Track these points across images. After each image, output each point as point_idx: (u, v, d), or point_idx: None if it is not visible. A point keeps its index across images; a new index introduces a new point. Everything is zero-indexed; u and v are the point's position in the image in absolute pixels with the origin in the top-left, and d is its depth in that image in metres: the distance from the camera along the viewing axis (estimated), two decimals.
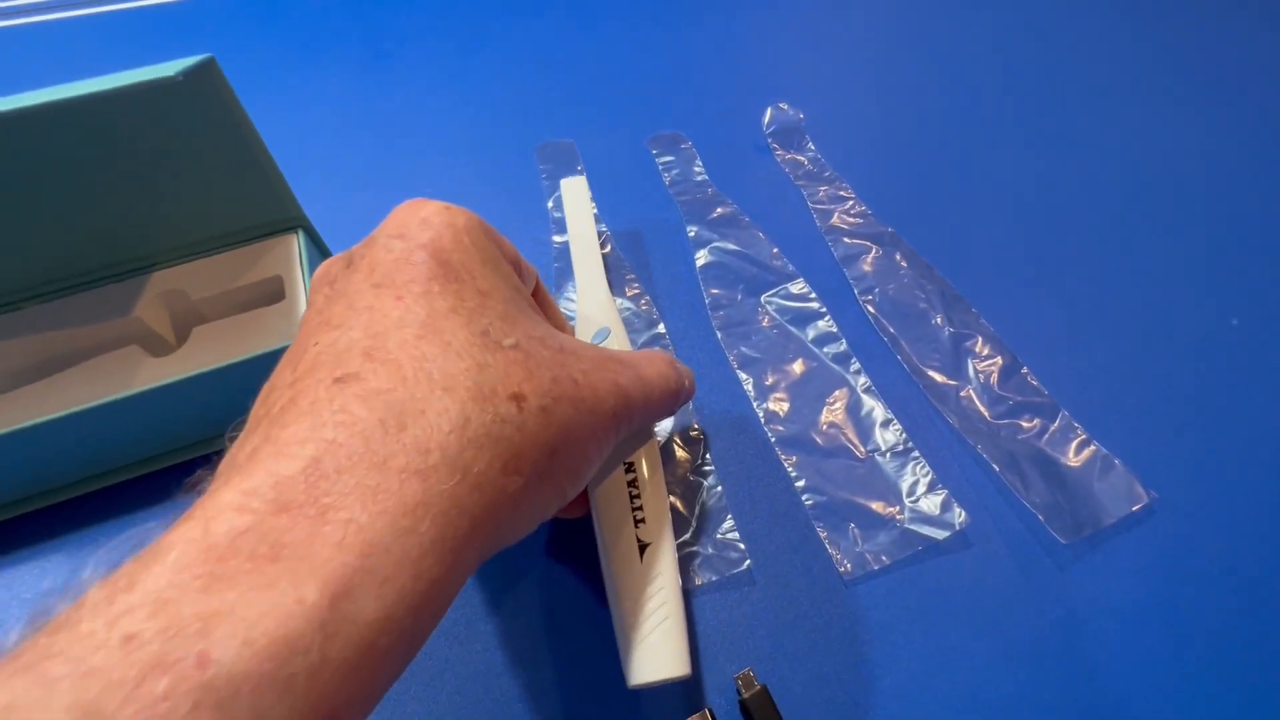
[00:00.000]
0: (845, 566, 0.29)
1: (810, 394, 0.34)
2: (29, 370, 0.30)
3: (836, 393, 0.34)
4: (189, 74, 0.26)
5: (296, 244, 0.33)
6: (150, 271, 0.32)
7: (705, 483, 0.31)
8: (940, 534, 0.30)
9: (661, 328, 0.37)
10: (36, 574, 0.29)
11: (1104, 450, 0.32)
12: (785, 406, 0.34)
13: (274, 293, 0.32)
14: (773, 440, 0.33)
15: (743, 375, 0.35)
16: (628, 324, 0.37)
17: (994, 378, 0.35)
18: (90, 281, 0.32)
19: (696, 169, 0.45)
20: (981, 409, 0.34)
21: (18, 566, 0.29)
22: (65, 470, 0.30)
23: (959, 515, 0.30)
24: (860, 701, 0.26)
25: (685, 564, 0.29)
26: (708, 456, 0.32)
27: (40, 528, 0.30)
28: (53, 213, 0.29)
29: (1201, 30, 0.59)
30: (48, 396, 0.29)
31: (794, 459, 0.32)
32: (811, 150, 0.46)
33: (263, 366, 0.28)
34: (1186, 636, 0.28)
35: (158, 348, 0.31)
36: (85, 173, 0.28)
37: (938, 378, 0.35)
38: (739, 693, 0.26)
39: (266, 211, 0.33)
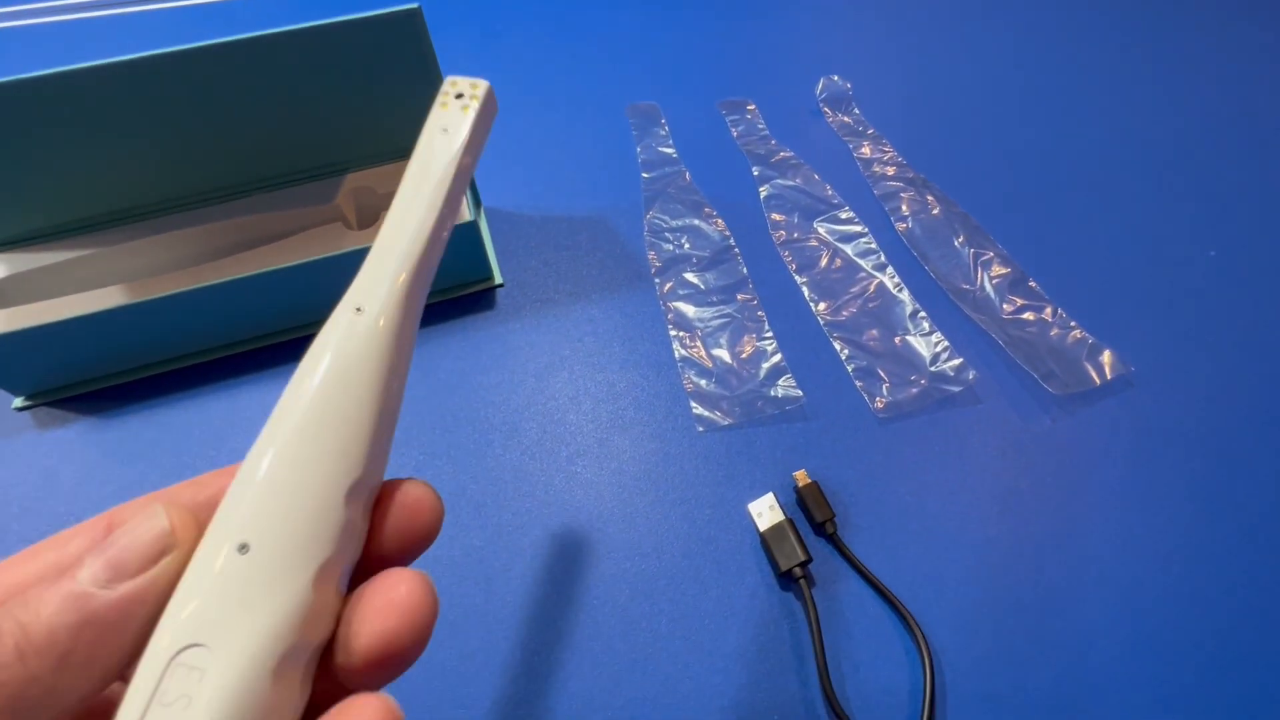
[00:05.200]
0: (878, 404, 0.37)
1: (854, 291, 0.42)
2: (259, 239, 0.40)
3: (874, 290, 0.42)
4: (411, 12, 0.36)
5: None
6: (345, 173, 0.42)
7: (768, 349, 0.40)
8: (955, 388, 0.37)
9: (732, 241, 0.45)
10: (259, 394, 0.39)
11: (1093, 338, 0.40)
12: (832, 300, 0.42)
13: None
14: (822, 324, 0.41)
15: (799, 278, 0.44)
16: (704, 239, 0.45)
17: (1005, 285, 0.43)
18: (302, 178, 0.41)
19: (760, 126, 0.54)
20: (994, 305, 0.42)
21: (242, 388, 0.39)
22: (280, 316, 0.39)
23: (971, 374, 0.38)
24: (882, 497, 0.34)
25: (752, 404, 0.37)
26: (769, 334, 0.41)
27: (259, 361, 0.40)
28: (279, 124, 0.39)
29: (1192, 20, 0.67)
30: (272, 257, 0.39)
31: (838, 336, 0.40)
32: (857, 114, 0.55)
33: None
34: (1151, 476, 0.35)
35: (351, 227, 0.41)
36: (308, 93, 0.38)
37: (959, 284, 0.43)
38: (795, 486, 0.34)
39: None
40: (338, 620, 0.13)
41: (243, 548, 0.12)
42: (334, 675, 0.13)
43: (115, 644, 0.12)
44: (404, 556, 0.14)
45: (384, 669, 0.13)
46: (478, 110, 0.16)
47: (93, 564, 0.12)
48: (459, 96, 0.17)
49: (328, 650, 0.13)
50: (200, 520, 0.13)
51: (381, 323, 0.14)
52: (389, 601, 0.13)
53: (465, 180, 0.16)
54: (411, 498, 0.14)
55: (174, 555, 0.12)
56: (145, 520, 0.12)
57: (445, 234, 0.16)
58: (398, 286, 0.14)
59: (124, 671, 0.12)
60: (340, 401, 0.13)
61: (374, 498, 0.14)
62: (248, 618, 0.11)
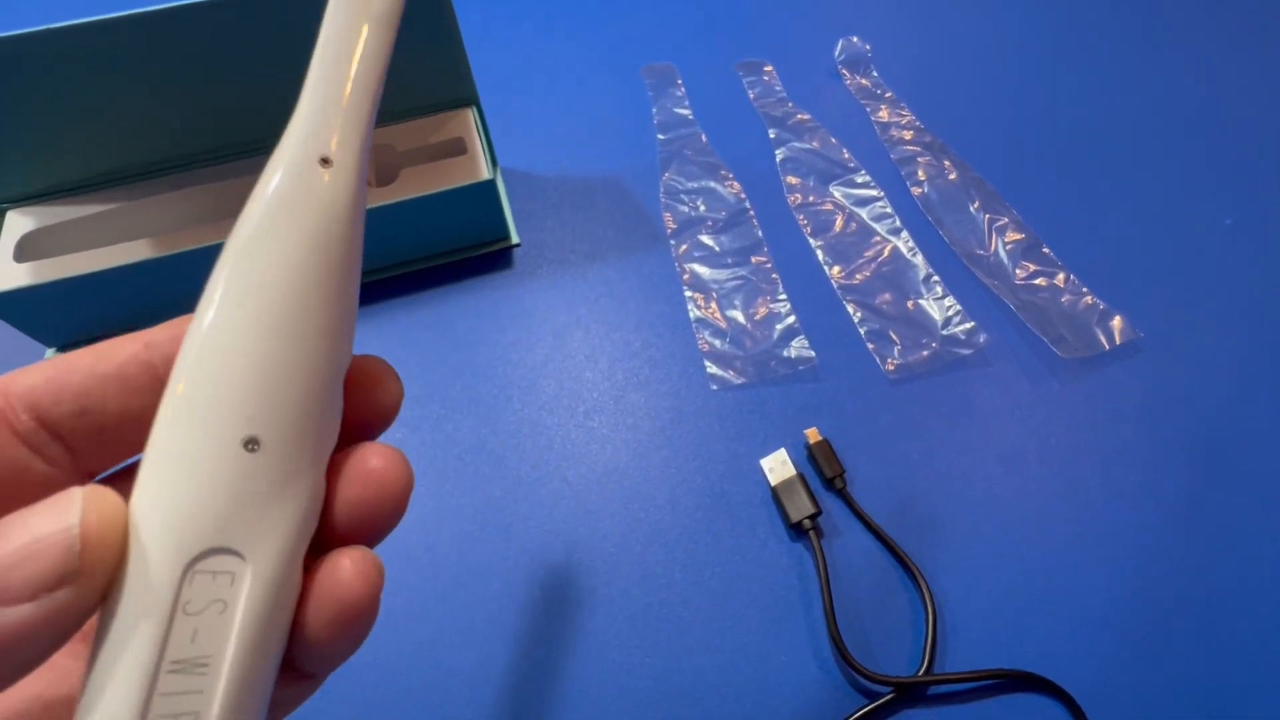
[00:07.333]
0: (890, 366, 0.37)
1: (868, 255, 0.43)
2: None
3: (888, 254, 0.43)
4: None
5: (472, 115, 0.43)
6: None
7: (782, 310, 0.40)
8: (966, 351, 0.38)
9: (748, 203, 0.46)
10: None
11: (1104, 304, 0.40)
12: (846, 264, 0.43)
13: (458, 149, 0.41)
14: (836, 288, 0.42)
15: (814, 242, 0.44)
16: (719, 202, 0.46)
17: (1019, 251, 0.43)
18: None
19: (777, 88, 0.54)
20: (1007, 271, 0.42)
21: None
22: None
23: (982, 337, 0.38)
24: (891, 455, 0.35)
25: (765, 365, 0.38)
26: (783, 297, 0.41)
27: None
28: (302, 80, 0.39)
29: None
30: None
31: (851, 299, 0.41)
32: (875, 76, 0.54)
33: (453, 198, 0.38)
34: (1154, 439, 0.36)
35: (370, 184, 0.41)
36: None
37: (972, 249, 0.43)
38: (806, 443, 0.35)
39: (453, 90, 0.42)
40: None
41: (250, 443, 0.11)
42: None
43: None
44: (370, 430, 0.14)
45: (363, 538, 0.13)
46: None
47: None
48: None
49: None
50: (130, 521, 0.10)
51: (352, 178, 0.12)
52: (366, 472, 0.12)
53: None
54: (365, 374, 0.14)
55: (75, 586, 0.08)
56: (49, 526, 0.09)
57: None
58: (364, 133, 0.12)
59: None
60: (326, 277, 0.12)
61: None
62: (274, 516, 0.11)
